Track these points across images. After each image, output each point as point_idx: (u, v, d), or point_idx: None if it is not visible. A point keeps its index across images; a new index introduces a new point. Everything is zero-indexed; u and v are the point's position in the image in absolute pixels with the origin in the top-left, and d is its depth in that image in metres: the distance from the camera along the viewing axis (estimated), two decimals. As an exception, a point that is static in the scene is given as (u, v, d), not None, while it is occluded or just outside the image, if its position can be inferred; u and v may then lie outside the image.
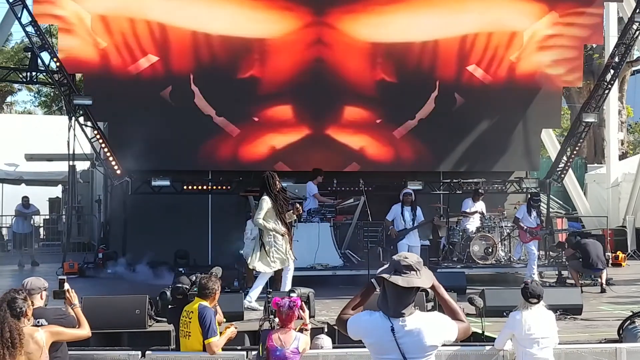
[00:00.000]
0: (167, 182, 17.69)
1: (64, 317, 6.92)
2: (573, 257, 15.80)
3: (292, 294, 9.35)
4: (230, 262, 16.06)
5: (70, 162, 20.40)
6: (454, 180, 18.92)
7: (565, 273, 16.40)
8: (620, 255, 19.59)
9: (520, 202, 18.38)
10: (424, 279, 4.76)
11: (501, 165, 20.19)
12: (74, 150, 18.82)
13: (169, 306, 9.46)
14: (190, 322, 7.76)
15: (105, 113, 18.04)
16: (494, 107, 19.76)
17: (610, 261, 18.70)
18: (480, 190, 17.46)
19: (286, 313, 7.37)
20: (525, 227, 16.05)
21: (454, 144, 19.75)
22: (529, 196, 16.96)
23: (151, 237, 17.87)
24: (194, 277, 8.54)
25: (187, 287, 8.54)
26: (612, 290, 15.11)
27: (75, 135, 18.24)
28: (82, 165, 23.10)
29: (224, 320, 8.64)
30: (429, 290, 5.32)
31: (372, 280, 4.92)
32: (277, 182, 12.24)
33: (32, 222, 21.61)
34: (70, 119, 18.50)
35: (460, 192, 18.55)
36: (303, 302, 7.70)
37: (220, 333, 7.87)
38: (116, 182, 17.71)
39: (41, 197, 25.66)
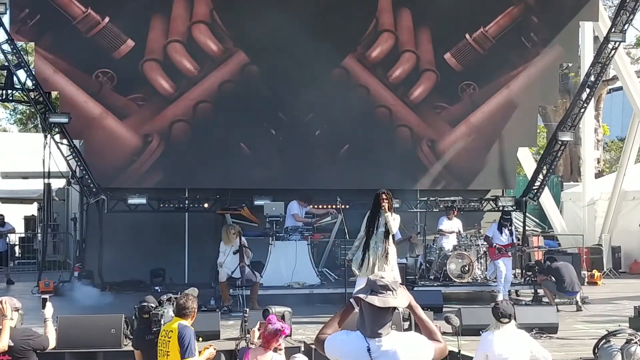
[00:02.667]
0: (143, 200, 17.59)
1: (31, 338, 6.89)
2: (545, 280, 15.77)
3: (265, 313, 9.35)
4: (207, 280, 16.01)
5: (46, 180, 20.29)
6: (431, 199, 18.96)
7: (541, 292, 16.44)
8: (596, 273, 19.68)
9: (496, 220, 18.43)
10: (400, 298, 4.75)
11: (478, 183, 20.29)
12: (49, 168, 18.71)
13: (134, 329, 9.36)
14: (169, 341, 7.70)
15: (82, 130, 17.96)
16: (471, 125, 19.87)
17: (586, 280, 18.80)
18: (452, 205, 17.53)
19: (271, 334, 7.34)
20: (494, 244, 16.07)
21: (431, 162, 19.82)
22: (501, 214, 16.98)
23: (127, 256, 17.79)
24: (165, 297, 8.46)
25: (153, 305, 8.47)
26: (588, 309, 15.16)
27: (50, 153, 18.14)
28: (57, 183, 22.98)
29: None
30: (404, 309, 5.31)
31: (350, 300, 4.91)
32: None
33: (7, 240, 21.44)
34: (45, 136, 18.39)
35: (437, 210, 18.58)
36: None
37: (200, 352, 7.83)
38: (92, 200, 17.62)
39: (16, 215, 25.51)
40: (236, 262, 14.60)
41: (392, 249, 12.53)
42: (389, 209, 12.31)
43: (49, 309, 7.09)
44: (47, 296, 7.27)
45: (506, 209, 17.86)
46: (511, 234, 16.27)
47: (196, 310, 7.83)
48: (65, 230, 23.88)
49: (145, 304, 8.66)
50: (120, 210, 17.65)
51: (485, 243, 16.65)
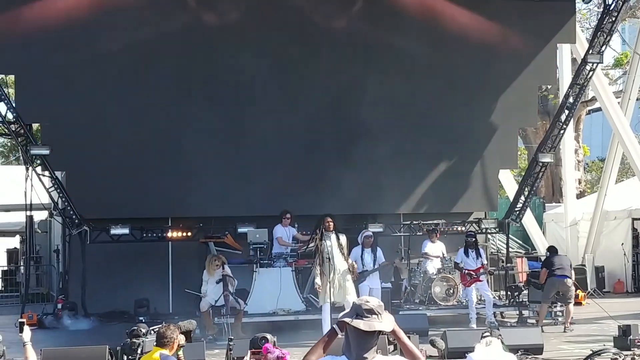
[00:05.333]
0: (126, 230, 17.54)
1: None
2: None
3: (261, 342, 9.36)
4: (192, 309, 15.95)
5: (28, 213, 20.18)
6: (414, 222, 18.99)
7: (525, 313, 16.48)
8: (581, 293, 19.72)
9: (481, 243, 18.48)
10: (386, 322, 4.76)
11: (460, 206, 20.35)
12: (31, 201, 18.63)
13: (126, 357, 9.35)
14: None
15: (63, 162, 17.92)
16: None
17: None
18: (435, 229, 17.61)
19: None
20: (464, 271, 16.10)
21: (414, 185, 19.88)
22: (465, 237, 16.98)
23: (111, 286, 17.72)
24: (157, 328, 8.45)
25: (143, 330, 8.46)
26: (571, 329, 15.21)
27: (32, 185, 18.08)
28: (40, 215, 22.86)
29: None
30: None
31: (333, 325, 4.91)
32: None
33: (-11, 273, 21.32)
34: (27, 169, 18.34)
35: (421, 233, 18.61)
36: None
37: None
38: (74, 232, 17.56)
39: (-1, 248, 25.35)
40: (220, 291, 14.60)
41: (343, 271, 13.13)
42: (332, 230, 13.08)
43: (26, 333, 7.03)
44: (23, 320, 7.19)
45: (470, 231, 17.74)
46: (479, 255, 16.27)
47: (176, 340, 7.79)
48: (48, 263, 23.75)
49: (135, 327, 8.66)
50: (103, 240, 17.59)
51: (455, 268, 16.62)
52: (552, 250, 16.76)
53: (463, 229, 19.48)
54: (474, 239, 16.55)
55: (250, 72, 18.78)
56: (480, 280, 16.09)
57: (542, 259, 23.48)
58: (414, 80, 19.69)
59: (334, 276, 13.50)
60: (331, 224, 13.80)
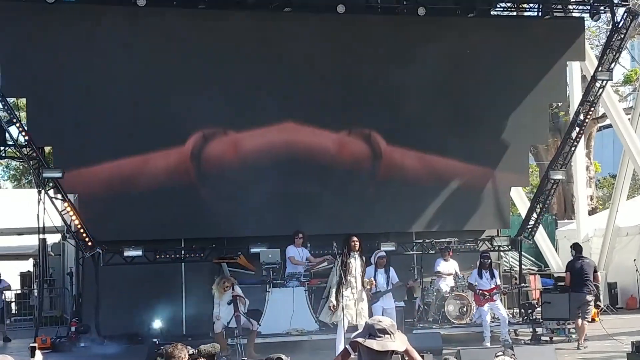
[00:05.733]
0: (139, 252, 17.58)
1: None
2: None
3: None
4: (205, 331, 15.95)
5: (41, 236, 20.25)
6: (427, 240, 18.99)
7: (539, 330, 16.42)
8: (594, 310, 19.64)
9: (474, 264, 18.40)
10: (398, 342, 4.79)
11: (472, 224, 20.32)
12: (44, 224, 18.69)
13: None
14: None
15: (75, 185, 18.00)
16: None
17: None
18: (448, 247, 17.61)
19: None
20: (477, 291, 16.06)
21: (426, 204, 19.88)
22: (479, 257, 16.98)
23: (124, 309, 17.72)
24: (190, 350, 8.44)
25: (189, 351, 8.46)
26: (585, 346, 15.16)
27: (45, 208, 18.15)
28: (53, 238, 22.92)
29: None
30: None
31: (346, 346, 4.94)
32: None
33: (3, 297, 21.34)
34: (39, 192, 18.41)
35: (433, 251, 18.60)
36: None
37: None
38: (87, 254, 17.60)
39: (12, 272, 25.39)
40: (231, 312, 14.61)
41: (362, 292, 13.64)
42: (357, 250, 13.17)
43: (38, 358, 7.03)
44: (35, 344, 7.20)
45: (485, 252, 17.74)
46: (493, 276, 16.24)
47: (185, 359, 7.75)
48: (62, 286, 23.79)
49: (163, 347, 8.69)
50: (117, 263, 17.63)
51: (468, 289, 16.59)
52: (577, 249, 16.75)
53: (476, 246, 19.51)
54: (489, 260, 16.51)
55: (264, 91, 18.89)
56: (494, 300, 16.05)
57: (555, 275, 23.58)
58: (426, 99, 19.70)
59: (355, 296, 13.62)
60: (357, 244, 13.94)
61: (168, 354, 7.68)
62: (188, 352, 7.91)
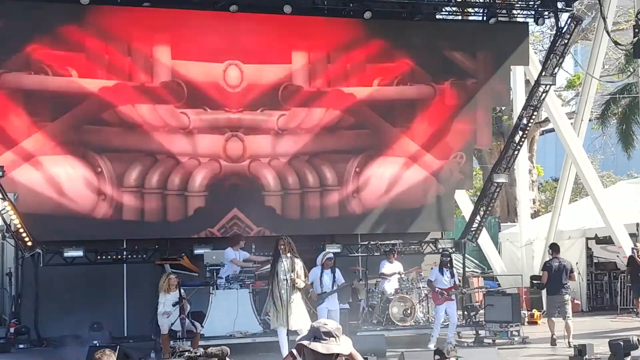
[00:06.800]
0: (80, 253, 17.30)
1: None
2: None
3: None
4: (147, 333, 15.76)
5: (-21, 235, 19.86)
6: (372, 242, 19.03)
7: (482, 333, 16.53)
8: (536, 313, 19.86)
9: (436, 262, 18.57)
10: (344, 345, 4.74)
11: (417, 226, 20.38)
12: (-18, 223, 18.33)
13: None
14: None
15: (15, 184, 17.66)
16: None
17: (526, 319, 18.97)
18: (393, 249, 17.68)
19: None
20: (437, 289, 16.14)
21: (371, 206, 19.91)
22: (440, 256, 17.11)
23: (64, 310, 17.43)
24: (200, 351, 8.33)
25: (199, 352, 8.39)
26: (528, 348, 15.31)
27: (-17, 207, 17.77)
28: (-9, 238, 22.49)
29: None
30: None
31: (292, 349, 4.87)
32: None
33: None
34: (-22, 191, 18.02)
35: (378, 253, 18.66)
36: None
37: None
38: (27, 254, 17.28)
39: (-51, 272, 24.82)
40: (176, 314, 14.44)
41: (296, 295, 12.74)
42: (287, 252, 12.69)
43: None
44: None
45: (445, 250, 18.06)
46: (452, 275, 16.35)
47: None
48: (0, 286, 23.34)
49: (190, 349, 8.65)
50: (57, 263, 17.34)
51: (427, 286, 16.72)
52: (554, 249, 16.94)
53: (420, 248, 19.63)
54: (449, 259, 16.58)
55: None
56: (452, 300, 16.13)
57: (498, 278, 23.82)
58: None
59: (284, 300, 13.06)
60: (284, 246, 13.07)
61: None
62: (195, 353, 7.79)
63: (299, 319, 12.80)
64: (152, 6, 18.35)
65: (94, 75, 18.06)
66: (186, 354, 8.31)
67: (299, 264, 12.99)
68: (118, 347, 13.06)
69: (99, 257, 17.70)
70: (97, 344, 13.89)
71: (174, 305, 14.42)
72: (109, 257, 17.91)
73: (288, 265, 12.86)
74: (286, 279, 12.81)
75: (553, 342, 15.77)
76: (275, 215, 19.10)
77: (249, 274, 16.52)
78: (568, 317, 15.78)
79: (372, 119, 19.73)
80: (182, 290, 14.73)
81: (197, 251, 17.47)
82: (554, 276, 16.25)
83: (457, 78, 20.09)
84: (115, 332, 17.26)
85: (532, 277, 18.97)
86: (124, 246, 18.57)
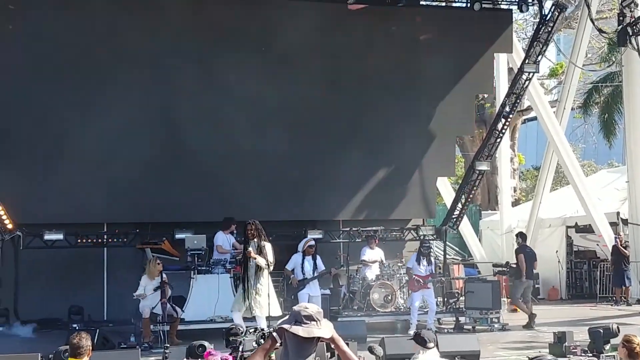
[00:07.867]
0: (60, 236, 17.22)
1: None
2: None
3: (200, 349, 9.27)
4: (127, 317, 15.72)
5: (-41, 217, 19.69)
6: (354, 229, 19.04)
7: (462, 319, 16.58)
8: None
9: (416, 249, 18.62)
10: (325, 329, 4.74)
11: (399, 213, 20.43)
12: (-39, 205, 18.18)
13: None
14: None
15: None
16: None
17: (506, 307, 19.02)
18: (374, 235, 17.70)
19: None
20: (413, 276, 16.18)
21: (353, 192, 19.90)
22: (419, 244, 17.15)
23: (44, 293, 17.39)
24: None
25: (241, 329, 8.53)
26: (508, 335, 15.37)
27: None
28: (-29, 220, 22.34)
29: None
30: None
31: (273, 333, 4.86)
32: None
33: None
34: (-43, 172, 17.89)
35: (360, 240, 18.67)
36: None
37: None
38: (7, 237, 17.18)
39: None
40: (157, 298, 14.40)
41: (263, 280, 12.58)
42: (255, 237, 12.50)
43: None
44: None
45: (425, 238, 18.12)
46: (430, 263, 16.37)
47: (90, 347, 7.58)
48: (-20, 269, 23.21)
49: (234, 326, 8.84)
50: (37, 246, 17.25)
51: (405, 273, 16.77)
52: (522, 237, 18.12)
53: (401, 235, 19.65)
54: (428, 250, 16.61)
55: (186, 77, 18.64)
56: (428, 288, 16.16)
57: (477, 266, 23.90)
58: (351, 86, 19.70)
59: (253, 286, 12.80)
60: (251, 231, 12.76)
61: (73, 344, 7.48)
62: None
63: (264, 304, 12.62)
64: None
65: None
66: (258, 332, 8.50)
67: (266, 246, 12.77)
68: (97, 330, 13.10)
69: (79, 241, 17.62)
70: (77, 327, 13.84)
71: (155, 290, 14.41)
72: (89, 240, 17.83)
73: (255, 250, 12.68)
74: (252, 265, 12.70)
75: (532, 325, 16.33)
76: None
77: (232, 259, 16.48)
78: (534, 301, 16.92)
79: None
80: (164, 275, 14.71)
81: (179, 235, 17.41)
82: (528, 262, 17.17)
83: (440, 65, 20.07)
84: (95, 316, 17.22)
85: (507, 263, 19.10)
86: (105, 230, 18.49)
